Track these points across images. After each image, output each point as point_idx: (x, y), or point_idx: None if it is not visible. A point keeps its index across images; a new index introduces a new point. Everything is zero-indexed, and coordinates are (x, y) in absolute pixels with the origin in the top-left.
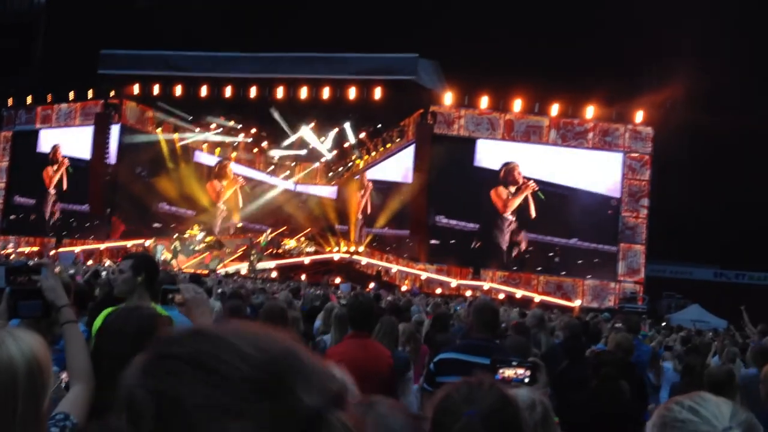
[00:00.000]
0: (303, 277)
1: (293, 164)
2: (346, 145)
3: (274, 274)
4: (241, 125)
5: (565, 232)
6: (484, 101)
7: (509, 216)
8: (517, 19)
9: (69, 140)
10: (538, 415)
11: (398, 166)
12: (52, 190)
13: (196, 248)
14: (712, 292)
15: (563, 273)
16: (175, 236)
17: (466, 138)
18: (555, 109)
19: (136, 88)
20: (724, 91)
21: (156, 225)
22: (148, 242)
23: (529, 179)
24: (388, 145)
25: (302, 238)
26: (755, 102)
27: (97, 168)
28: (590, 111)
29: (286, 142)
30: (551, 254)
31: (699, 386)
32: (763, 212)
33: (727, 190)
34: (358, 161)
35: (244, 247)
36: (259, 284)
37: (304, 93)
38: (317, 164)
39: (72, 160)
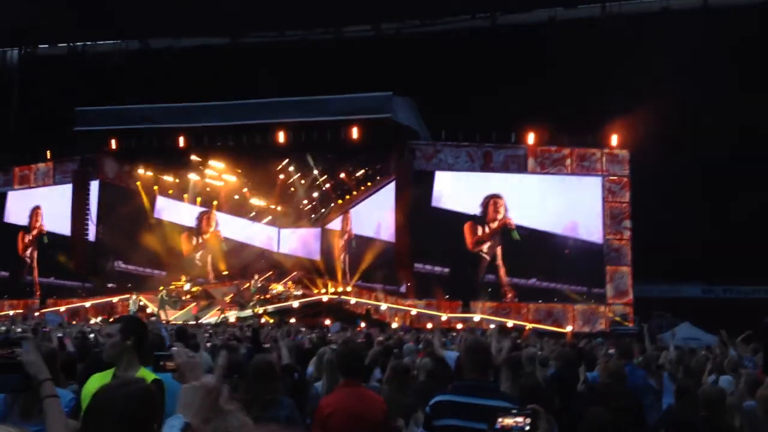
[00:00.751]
0: (293, 320)
1: (277, 208)
2: (325, 187)
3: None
4: (220, 173)
5: (548, 275)
6: (461, 135)
7: (483, 254)
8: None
9: (47, 200)
10: None
11: (379, 204)
12: (27, 259)
13: (184, 299)
14: (701, 308)
15: (555, 299)
16: (161, 288)
17: (424, 172)
18: (531, 138)
19: (113, 143)
20: (694, 109)
21: (110, 285)
22: (133, 297)
23: (506, 217)
24: (369, 184)
25: (289, 282)
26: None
27: (79, 230)
28: (566, 138)
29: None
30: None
31: (693, 408)
32: (749, 226)
33: (711, 205)
34: (339, 201)
35: (231, 295)
36: (249, 333)
37: (281, 137)
38: (300, 207)
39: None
